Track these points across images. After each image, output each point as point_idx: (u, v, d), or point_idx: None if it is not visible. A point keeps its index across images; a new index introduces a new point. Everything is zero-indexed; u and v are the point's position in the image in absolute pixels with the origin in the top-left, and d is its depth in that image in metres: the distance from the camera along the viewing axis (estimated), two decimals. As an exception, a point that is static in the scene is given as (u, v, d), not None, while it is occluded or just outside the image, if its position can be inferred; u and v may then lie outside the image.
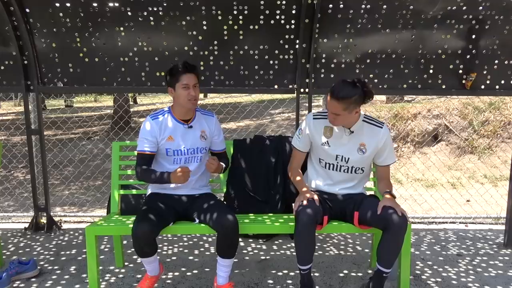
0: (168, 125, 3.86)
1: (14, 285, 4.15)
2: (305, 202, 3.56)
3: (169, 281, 4.23)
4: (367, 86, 3.59)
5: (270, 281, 4.23)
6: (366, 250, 5.04)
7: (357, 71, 5.26)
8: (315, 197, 3.66)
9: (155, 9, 5.04)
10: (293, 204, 4.37)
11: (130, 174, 4.63)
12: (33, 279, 4.28)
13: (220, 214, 3.64)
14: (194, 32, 5.16)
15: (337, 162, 3.82)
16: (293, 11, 5.08)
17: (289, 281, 4.22)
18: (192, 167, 3.95)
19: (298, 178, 3.97)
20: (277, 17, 5.10)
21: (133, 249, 5.03)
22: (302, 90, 5.37)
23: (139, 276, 4.34)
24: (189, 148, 3.90)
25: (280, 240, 5.35)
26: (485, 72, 5.30)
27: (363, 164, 3.83)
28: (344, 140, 3.76)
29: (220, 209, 3.72)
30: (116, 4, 5.05)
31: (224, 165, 4.12)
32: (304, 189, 3.79)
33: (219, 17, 5.09)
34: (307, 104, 5.41)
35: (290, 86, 5.39)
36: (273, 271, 4.46)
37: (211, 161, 3.84)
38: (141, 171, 3.84)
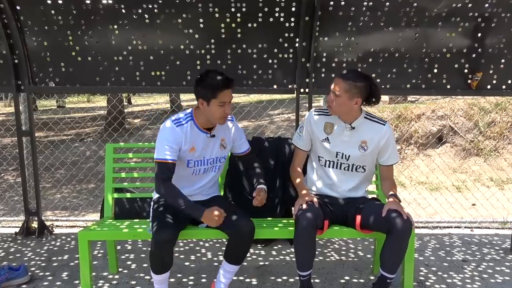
0: (192, 134, 3.66)
1: (4, 292, 4.16)
2: (304, 206, 3.56)
3: (164, 288, 4.22)
4: (376, 86, 3.65)
5: (269, 288, 4.23)
6: (368, 256, 5.04)
7: (359, 70, 5.26)
8: (315, 199, 3.66)
9: (150, 6, 5.04)
10: (292, 208, 4.36)
11: (124, 177, 4.62)
12: (23, 286, 4.27)
13: (237, 217, 3.60)
14: (191, 30, 5.16)
15: (337, 160, 3.83)
16: (293, 9, 5.08)
17: (289, 288, 4.22)
18: (209, 177, 3.89)
19: (298, 180, 3.97)
20: (276, 14, 5.10)
21: (127, 255, 5.03)
22: (302, 90, 5.37)
23: (133, 282, 4.33)
24: (209, 158, 3.79)
25: (279, 246, 5.35)
26: (491, 72, 5.31)
27: (364, 162, 3.83)
28: (345, 136, 3.77)
29: (235, 212, 3.68)
30: (110, 1, 5.05)
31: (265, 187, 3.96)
32: (304, 191, 3.80)
33: (216, 15, 5.10)
34: (307, 105, 5.41)
35: (290, 86, 5.40)
36: (272, 277, 4.46)
37: (259, 198, 3.79)
38: (167, 188, 3.56)
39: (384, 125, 3.78)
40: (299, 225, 3.48)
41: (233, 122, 3.94)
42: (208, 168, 3.84)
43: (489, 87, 5.38)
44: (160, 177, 3.55)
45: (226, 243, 3.72)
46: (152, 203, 3.92)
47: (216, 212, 3.48)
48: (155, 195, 3.96)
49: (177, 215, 3.63)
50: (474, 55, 5.26)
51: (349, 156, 3.80)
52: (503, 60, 5.27)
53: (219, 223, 3.50)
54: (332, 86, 3.67)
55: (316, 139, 3.89)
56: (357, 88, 3.58)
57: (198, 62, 5.25)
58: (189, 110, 3.75)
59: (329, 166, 3.89)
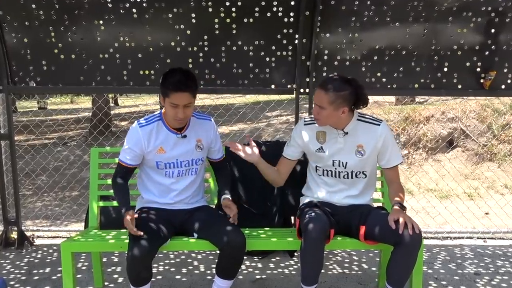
0: (159, 135, 3.78)
1: (-19, 308, 4.15)
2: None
3: (153, 303, 4.22)
4: (361, 88, 3.65)
5: (267, 303, 4.23)
6: (373, 269, 5.03)
7: (363, 69, 5.27)
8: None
9: (138, 0, 5.04)
10: (292, 218, 4.37)
11: (111, 184, 4.62)
12: (1, 301, 4.27)
13: (226, 230, 3.61)
14: (182, 26, 5.17)
15: (335, 168, 3.83)
16: (292, 3, 5.09)
17: (288, 303, 4.22)
18: (187, 181, 3.92)
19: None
20: (274, 9, 5.11)
21: (113, 267, 5.02)
22: (302, 90, 5.38)
23: (120, 297, 4.33)
24: (183, 160, 3.84)
25: (277, 258, 5.34)
26: (505, 70, 5.32)
27: (364, 167, 3.83)
28: (339, 143, 3.78)
29: (226, 224, 3.70)
30: (95, -5, 5.06)
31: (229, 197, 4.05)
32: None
33: (210, 9, 5.10)
34: (307, 106, 5.42)
35: (289, 86, 5.40)
36: (270, 292, 4.46)
37: (229, 211, 3.83)
38: (116, 186, 3.85)
39: (379, 125, 3.77)
40: (309, 235, 3.48)
41: (211, 123, 4.01)
42: (183, 171, 3.89)
43: (503, 87, 5.38)
44: (115, 175, 3.88)
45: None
46: None
47: (127, 217, 3.54)
48: (138, 205, 4.01)
49: (158, 228, 3.68)
50: (487, 53, 5.27)
51: (346, 163, 3.80)
52: (518, 58, 5.28)
53: (130, 230, 3.53)
54: (315, 99, 3.70)
55: (309, 150, 3.90)
56: (341, 98, 3.59)
57: (190, 60, 5.25)
58: (159, 111, 3.87)
59: (327, 175, 3.89)
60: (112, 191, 3.93)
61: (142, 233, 3.46)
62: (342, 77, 3.67)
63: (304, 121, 3.95)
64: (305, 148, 3.92)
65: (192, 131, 3.87)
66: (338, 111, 3.62)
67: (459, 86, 5.38)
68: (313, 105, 3.74)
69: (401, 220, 3.45)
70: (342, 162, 3.80)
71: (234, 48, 5.25)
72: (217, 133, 4.07)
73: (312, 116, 3.86)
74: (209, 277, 4.75)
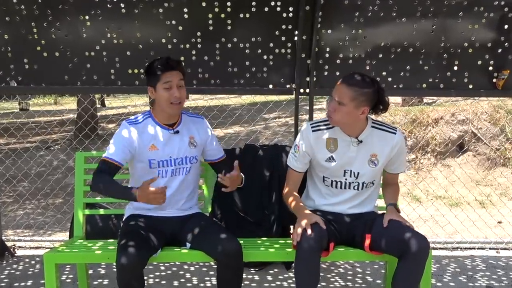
0: (149, 132, 3.81)
1: (-43, 323, 4.14)
2: (309, 231, 3.50)
3: (143, 319, 4.21)
4: (383, 90, 3.65)
5: (264, 319, 4.23)
6: (378, 281, 5.03)
7: (367, 67, 5.26)
8: (318, 218, 3.63)
9: (127, -6, 5.04)
10: (291, 227, 4.36)
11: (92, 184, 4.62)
12: (-20, 317, 4.26)
13: (220, 238, 3.61)
14: (173, 22, 5.16)
15: (345, 179, 3.81)
16: (291, -3, 5.09)
17: (287, 319, 4.22)
18: (179, 180, 3.93)
19: (295, 202, 3.88)
20: (272, 3, 5.10)
21: (100, 280, 5.02)
22: (301, 90, 5.37)
23: (107, 312, 4.32)
24: (176, 158, 3.86)
25: (275, 270, 5.33)
26: (519, 70, 5.32)
27: (374, 177, 3.84)
28: (352, 152, 3.75)
29: (219, 232, 3.70)
30: (81, -12, 5.05)
31: (242, 175, 4.06)
32: (306, 211, 3.75)
33: (203, 4, 5.09)
34: (307, 107, 5.41)
35: (288, 86, 5.40)
36: (268, 307, 4.46)
37: (227, 179, 3.83)
38: (97, 178, 3.67)
39: (395, 133, 3.79)
40: (301, 246, 3.46)
41: (204, 122, 4.06)
42: (176, 170, 3.90)
43: (517, 87, 5.39)
44: (96, 170, 3.74)
45: (215, 267, 3.72)
46: (121, 223, 3.98)
47: (151, 189, 3.45)
48: (127, 213, 4.00)
49: (148, 237, 3.66)
50: (500, 50, 5.26)
51: (358, 173, 3.79)
52: (533, 56, 5.28)
53: (159, 199, 3.48)
54: (334, 94, 3.65)
55: (318, 160, 3.85)
56: (364, 95, 3.56)
57: (182, 58, 5.23)
58: (147, 109, 3.84)
59: (336, 187, 3.87)
60: (98, 198, 3.91)
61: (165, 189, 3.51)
62: (367, 75, 3.67)
63: (311, 127, 3.85)
64: (313, 157, 3.87)
65: (184, 128, 3.91)
66: (359, 110, 3.59)
67: (470, 86, 5.37)
68: (330, 101, 3.71)
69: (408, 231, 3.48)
70: (354, 172, 3.79)
71: (229, 45, 5.25)
72: (212, 132, 4.09)
73: (319, 119, 3.84)
74: (202, 291, 4.75)
